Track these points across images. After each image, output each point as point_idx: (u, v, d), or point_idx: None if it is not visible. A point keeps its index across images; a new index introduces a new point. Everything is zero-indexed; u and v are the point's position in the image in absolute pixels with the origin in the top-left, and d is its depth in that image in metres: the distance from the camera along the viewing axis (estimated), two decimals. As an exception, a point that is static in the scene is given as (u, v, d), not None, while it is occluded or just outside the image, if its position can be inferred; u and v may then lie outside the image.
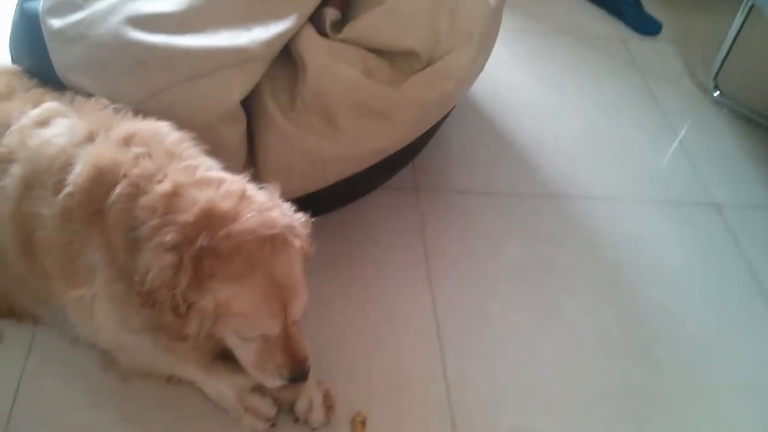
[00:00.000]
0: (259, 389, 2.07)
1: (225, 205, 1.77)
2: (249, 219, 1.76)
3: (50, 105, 2.09)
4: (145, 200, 1.78)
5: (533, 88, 3.60)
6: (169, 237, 1.71)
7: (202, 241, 1.70)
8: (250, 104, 2.31)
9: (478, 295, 2.54)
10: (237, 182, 1.87)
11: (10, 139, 2.01)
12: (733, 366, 2.47)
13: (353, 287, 2.49)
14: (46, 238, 1.91)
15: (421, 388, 2.24)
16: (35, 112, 2.07)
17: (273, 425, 2.06)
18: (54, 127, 2.00)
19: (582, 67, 3.81)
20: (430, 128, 2.73)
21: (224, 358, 2.08)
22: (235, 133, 2.24)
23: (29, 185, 1.92)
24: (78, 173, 1.86)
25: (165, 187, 1.79)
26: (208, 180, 1.85)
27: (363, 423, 2.11)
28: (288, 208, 1.91)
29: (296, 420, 2.09)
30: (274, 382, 1.92)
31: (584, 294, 2.62)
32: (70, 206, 1.85)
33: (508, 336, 2.43)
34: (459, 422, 2.16)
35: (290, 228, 1.84)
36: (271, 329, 1.81)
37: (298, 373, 1.91)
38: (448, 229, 2.76)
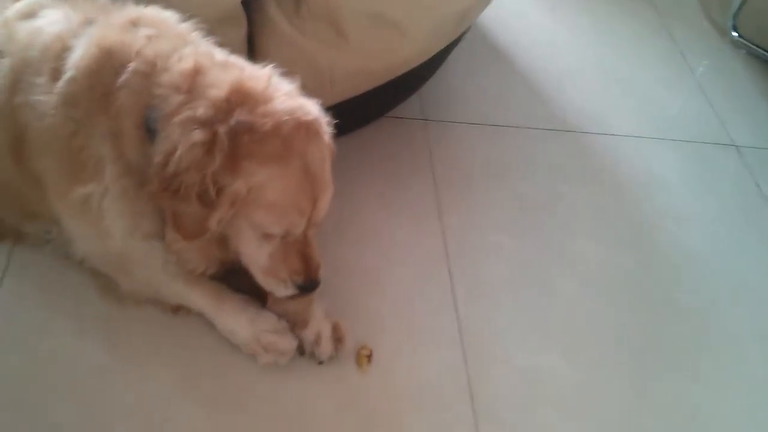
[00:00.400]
0: (274, 327, 1.90)
1: (256, 85, 1.63)
2: (284, 101, 1.63)
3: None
4: (166, 77, 1.61)
5: (545, 21, 3.42)
6: (201, 111, 1.55)
7: (239, 115, 1.55)
8: (251, 8, 2.09)
9: (488, 228, 2.39)
10: (262, 68, 1.71)
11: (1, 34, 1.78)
12: (753, 311, 2.36)
13: (358, 216, 2.32)
14: (43, 132, 1.70)
15: (431, 322, 2.10)
16: (18, 5, 1.84)
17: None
18: (43, 18, 1.78)
19: (598, 4, 3.62)
20: (441, 52, 2.53)
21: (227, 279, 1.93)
22: (234, 37, 2.02)
23: (19, 77, 1.71)
24: (80, 56, 1.66)
25: (187, 64, 1.63)
26: (231, 63, 1.70)
27: (369, 357, 1.96)
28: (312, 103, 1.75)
29: (302, 353, 1.92)
30: (284, 290, 1.77)
31: (599, 232, 2.48)
32: (73, 92, 1.65)
33: (520, 272, 2.29)
34: (471, 358, 2.02)
35: (321, 120, 1.71)
36: (296, 225, 1.67)
37: (310, 282, 1.76)
38: (457, 160, 2.61)
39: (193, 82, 1.60)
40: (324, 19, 2.10)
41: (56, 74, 1.67)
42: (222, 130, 1.54)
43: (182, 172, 1.55)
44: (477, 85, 2.91)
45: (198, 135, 1.53)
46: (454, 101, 2.83)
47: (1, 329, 1.86)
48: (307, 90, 2.11)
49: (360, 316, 2.04)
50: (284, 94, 1.66)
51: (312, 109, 1.70)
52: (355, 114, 2.49)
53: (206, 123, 1.55)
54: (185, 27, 1.77)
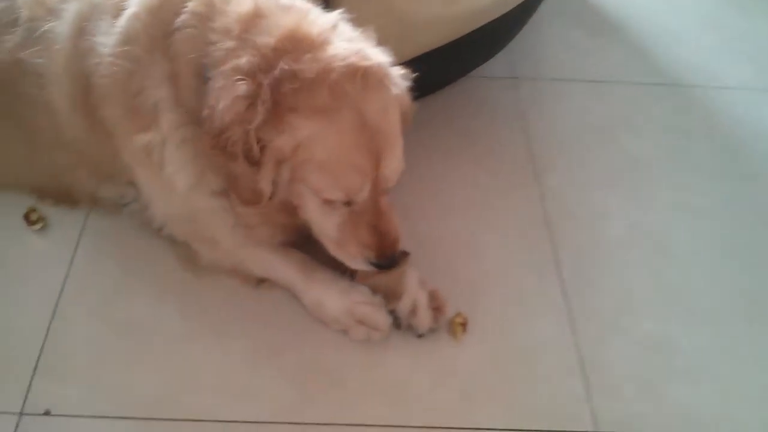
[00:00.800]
0: (368, 300, 1.73)
1: (313, 29, 1.47)
2: (340, 46, 1.46)
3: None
4: (221, 20, 1.49)
5: None
6: (245, 60, 1.41)
7: (284, 64, 1.39)
8: (325, -44, 1.95)
9: (592, 187, 2.16)
10: (330, 14, 1.55)
11: None
12: None
13: (448, 182, 2.14)
14: (105, 75, 1.60)
15: (532, 288, 1.89)
16: None
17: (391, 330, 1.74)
18: None
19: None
20: (528, 2, 2.33)
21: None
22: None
23: (86, 21, 1.64)
24: None
25: (246, 6, 1.49)
26: (297, 8, 1.54)
27: (464, 325, 1.77)
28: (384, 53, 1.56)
29: (398, 326, 1.75)
30: (359, 264, 1.60)
31: (712, 188, 2.20)
32: (133, 28, 1.56)
33: (630, 233, 2.04)
34: (579, 326, 1.81)
35: (386, 68, 1.51)
36: (357, 189, 1.48)
37: (386, 258, 1.57)
38: (552, 118, 2.39)
39: (247, 27, 1.46)
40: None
41: (118, 12, 1.58)
42: (266, 81, 1.39)
43: (227, 126, 1.41)
44: (569, 41, 2.68)
45: (241, 87, 1.40)
46: (545, 57, 2.61)
47: (76, 295, 1.79)
48: (385, 40, 1.97)
49: (453, 284, 1.86)
50: (343, 39, 1.49)
51: (373, 54, 1.50)
52: (440, 72, 2.32)
53: (251, 73, 1.40)
54: None
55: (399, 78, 1.56)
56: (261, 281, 1.81)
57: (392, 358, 1.71)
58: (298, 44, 1.42)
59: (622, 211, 2.09)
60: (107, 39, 1.58)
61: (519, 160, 2.21)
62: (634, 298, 1.88)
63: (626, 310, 1.85)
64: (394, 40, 1.94)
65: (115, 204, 1.92)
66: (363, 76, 1.42)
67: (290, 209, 1.63)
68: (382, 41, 1.92)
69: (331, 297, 1.73)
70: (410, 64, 2.08)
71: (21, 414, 1.57)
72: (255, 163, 1.44)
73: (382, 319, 1.71)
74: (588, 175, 2.18)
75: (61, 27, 1.67)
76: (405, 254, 1.71)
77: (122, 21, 1.57)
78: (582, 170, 2.20)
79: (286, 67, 1.39)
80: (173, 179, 1.64)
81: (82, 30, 1.63)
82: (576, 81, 2.50)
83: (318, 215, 1.57)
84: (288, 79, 1.39)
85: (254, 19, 1.47)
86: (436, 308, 1.75)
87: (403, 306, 1.73)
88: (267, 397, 1.63)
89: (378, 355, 1.71)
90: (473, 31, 2.14)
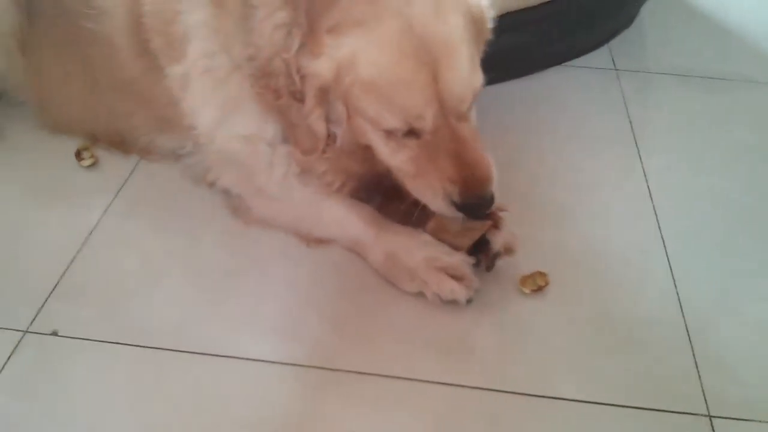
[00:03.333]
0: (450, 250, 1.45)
1: None
2: None
3: None
4: None
5: None
6: None
7: None
8: None
9: (701, 171, 1.86)
10: None
11: None
12: None
13: (550, 153, 1.90)
14: (148, 3, 1.50)
15: (637, 264, 1.58)
16: None
17: (470, 301, 1.42)
18: None
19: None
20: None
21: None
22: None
23: None
24: None
25: None
26: None
27: (542, 287, 1.47)
28: None
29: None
30: (442, 205, 1.33)
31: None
32: None
33: (738, 216, 1.72)
34: (687, 305, 1.48)
35: None
36: (416, 109, 1.24)
37: (474, 197, 1.30)
38: (658, 108, 2.14)
39: None
40: None
41: None
42: (302, 6, 1.24)
43: (270, 60, 1.27)
44: (675, 38, 2.44)
45: (278, 15, 1.26)
46: (649, 52, 2.38)
47: (112, 227, 1.64)
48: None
49: (540, 245, 1.59)
50: None
51: None
52: (541, 49, 2.16)
53: (288, 1, 1.26)
54: None
55: None
56: (320, 241, 1.58)
57: (455, 312, 1.42)
58: None
59: (730, 194, 1.77)
60: None
61: (623, 142, 1.95)
62: (743, 280, 1.55)
63: (736, 291, 1.52)
64: None
65: (171, 154, 1.78)
66: None
67: (362, 153, 1.43)
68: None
69: (407, 247, 1.45)
70: (513, 32, 1.96)
71: (26, 332, 1.39)
72: (301, 98, 1.28)
73: (469, 270, 1.41)
74: (698, 160, 1.89)
75: None
76: (497, 214, 1.45)
77: None
78: (691, 154, 1.91)
79: None
80: (194, 115, 1.50)
81: None
82: (685, 76, 2.24)
83: (387, 152, 1.34)
84: None
85: None
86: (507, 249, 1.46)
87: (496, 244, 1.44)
88: (303, 340, 1.39)
89: (438, 307, 1.43)
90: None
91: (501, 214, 1.45)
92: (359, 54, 1.23)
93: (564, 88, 2.16)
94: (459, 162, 1.29)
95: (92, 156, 1.80)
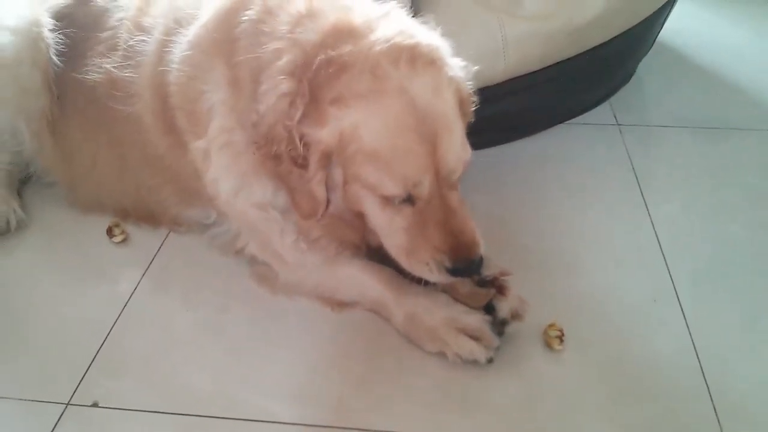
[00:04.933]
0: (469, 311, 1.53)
1: (358, 19, 1.39)
2: (385, 29, 1.36)
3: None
4: (272, 23, 1.44)
5: (728, 27, 3.00)
6: (285, 59, 1.35)
7: (321, 55, 1.32)
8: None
9: (708, 217, 1.92)
10: (385, 6, 1.47)
11: (159, 5, 1.79)
12: None
13: (554, 206, 1.98)
14: (173, 84, 1.60)
15: (647, 310, 1.64)
16: None
17: (491, 360, 1.47)
18: None
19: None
20: (629, 43, 2.25)
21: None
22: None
23: (168, 33, 1.65)
24: (215, 4, 1.57)
25: (297, 7, 1.44)
26: (351, 5, 1.46)
27: (560, 338, 1.52)
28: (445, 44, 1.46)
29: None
30: (434, 274, 1.40)
31: None
32: (199, 35, 1.56)
33: (751, 261, 1.77)
34: (702, 348, 1.52)
35: (437, 48, 1.39)
36: (415, 178, 1.32)
37: (462, 261, 1.37)
38: (662, 160, 2.21)
39: (295, 27, 1.40)
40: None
41: (192, 20, 1.60)
42: (305, 78, 1.32)
43: (272, 128, 1.35)
44: (673, 91, 2.54)
45: (282, 86, 1.34)
46: (649, 106, 2.47)
47: (145, 300, 1.72)
48: (478, 59, 1.93)
49: (553, 297, 1.66)
50: (388, 21, 1.39)
51: (419, 33, 1.40)
52: (544, 109, 2.26)
53: (291, 71, 1.34)
54: None
55: (456, 63, 1.45)
56: (343, 305, 1.64)
57: (476, 369, 1.47)
58: (339, 36, 1.35)
59: (744, 240, 1.83)
60: (178, 48, 1.59)
61: (629, 193, 2.02)
62: (757, 322, 1.60)
63: (750, 333, 1.57)
64: (488, 57, 1.94)
65: (198, 224, 1.87)
66: (409, 57, 1.32)
67: (355, 222, 1.51)
68: (473, 58, 1.90)
69: (427, 308, 1.52)
70: (517, 95, 2.06)
71: (68, 404, 1.45)
72: (302, 164, 1.35)
73: (488, 330, 1.48)
74: (704, 207, 1.96)
75: (149, 43, 1.71)
76: (500, 280, 1.53)
77: (192, 29, 1.59)
78: (697, 202, 1.98)
79: (323, 57, 1.32)
80: (215, 186, 1.58)
81: (164, 44, 1.65)
82: (685, 128, 2.32)
83: (381, 219, 1.42)
84: (325, 67, 1.31)
85: (304, 19, 1.41)
86: (515, 315, 1.52)
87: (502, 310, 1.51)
88: (329, 402, 1.43)
89: (460, 365, 1.48)
90: (575, 61, 2.07)
91: (506, 279, 1.53)
92: (363, 124, 1.31)
93: (568, 146, 2.24)
94: (448, 229, 1.37)
95: (123, 232, 1.89)
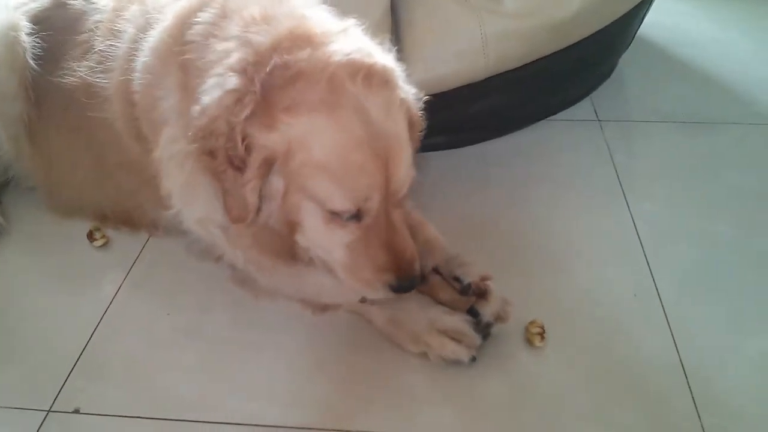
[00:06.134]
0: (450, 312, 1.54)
1: (316, 29, 1.37)
2: (342, 43, 1.35)
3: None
4: (225, 27, 1.41)
5: (707, 21, 3.03)
6: (236, 57, 1.33)
7: (276, 58, 1.29)
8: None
9: (691, 214, 1.93)
10: (343, 20, 1.46)
11: (132, 9, 1.77)
12: None
13: (536, 202, 1.99)
14: (136, 91, 1.57)
15: (628, 305, 1.65)
16: None
17: (474, 359, 1.48)
18: None
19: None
20: (608, 39, 2.26)
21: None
22: (375, 6, 1.88)
23: (136, 38, 1.62)
24: (174, 9, 1.55)
25: (252, 11, 1.41)
26: (309, 15, 1.44)
27: (541, 334, 1.53)
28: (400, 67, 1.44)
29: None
30: (376, 291, 1.41)
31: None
32: (158, 41, 1.53)
33: (732, 257, 1.79)
34: (683, 346, 1.53)
35: (392, 70, 1.38)
36: (365, 193, 1.31)
37: (406, 279, 1.38)
38: (643, 155, 2.23)
39: (246, 29, 1.37)
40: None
41: (154, 24, 1.57)
42: (257, 78, 1.28)
43: (211, 121, 1.30)
44: (654, 86, 2.56)
45: (230, 81, 1.30)
46: (629, 102, 2.49)
47: (126, 304, 1.71)
48: (459, 57, 1.94)
49: (534, 295, 1.67)
50: (346, 37, 1.38)
51: (377, 53, 1.39)
52: (525, 106, 2.27)
53: (241, 69, 1.31)
54: None
55: (408, 88, 1.44)
56: (325, 308, 1.64)
57: (460, 367, 1.48)
58: (296, 41, 1.33)
59: (721, 234, 1.85)
60: (141, 54, 1.56)
61: (610, 189, 2.04)
62: (737, 318, 1.62)
63: (730, 329, 1.59)
64: (460, 56, 1.94)
65: (176, 229, 1.85)
66: (366, 75, 1.31)
67: (283, 233, 1.46)
68: (447, 55, 1.90)
69: (407, 311, 1.53)
70: (497, 92, 2.07)
71: (49, 411, 1.44)
72: (240, 165, 1.30)
73: (469, 330, 1.49)
74: (685, 202, 1.97)
75: (120, 48, 1.67)
76: (481, 285, 1.54)
77: (153, 34, 1.56)
78: (677, 198, 1.99)
79: (279, 60, 1.29)
80: (169, 200, 1.55)
81: (132, 49, 1.61)
82: (666, 122, 2.34)
83: (323, 234, 1.39)
84: (279, 71, 1.28)
85: (258, 22, 1.39)
86: (498, 317, 1.53)
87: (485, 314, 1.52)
88: (316, 404, 1.44)
89: (446, 368, 1.49)
90: (555, 58, 2.07)
91: (488, 283, 1.53)
92: (315, 135, 1.28)
93: (549, 142, 2.25)
94: (392, 248, 1.37)
95: (104, 236, 1.88)
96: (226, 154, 1.31)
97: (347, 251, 1.39)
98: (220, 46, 1.38)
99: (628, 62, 2.61)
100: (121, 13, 1.73)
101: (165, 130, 1.49)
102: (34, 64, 1.84)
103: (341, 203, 1.31)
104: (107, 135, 1.74)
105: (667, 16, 2.97)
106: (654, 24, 2.73)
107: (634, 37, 2.53)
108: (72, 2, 1.88)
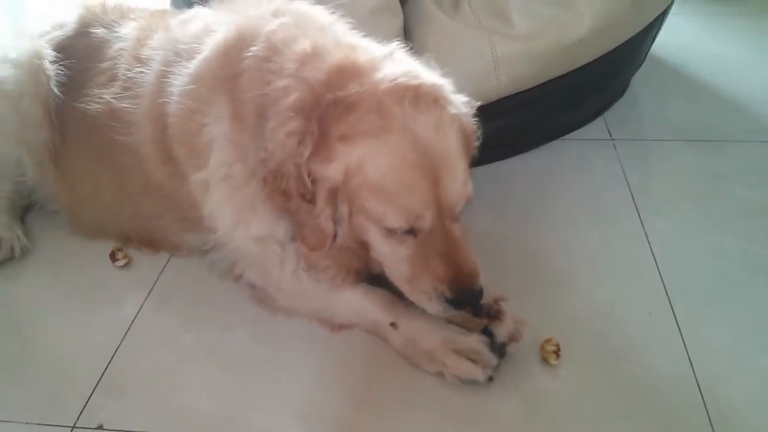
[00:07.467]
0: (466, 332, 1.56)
1: (363, 58, 1.45)
2: (389, 69, 1.42)
3: (197, 9, 1.90)
4: (278, 61, 1.49)
5: (716, 40, 3.05)
6: (294, 97, 1.41)
7: (329, 95, 1.38)
8: (407, 9, 2.03)
9: (704, 231, 1.94)
10: (386, 45, 1.54)
11: (157, 37, 1.84)
12: None
13: (549, 221, 2.01)
14: (173, 115, 1.63)
15: (642, 323, 1.66)
16: (181, 16, 1.90)
17: (491, 378, 1.50)
18: (200, 20, 1.79)
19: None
20: (619, 59, 2.29)
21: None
22: (390, 28, 1.94)
23: (167, 64, 1.70)
24: (215, 40, 1.62)
25: (303, 45, 1.50)
26: (355, 44, 1.54)
27: (556, 352, 1.54)
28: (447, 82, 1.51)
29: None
30: (435, 305, 1.44)
31: None
32: (201, 69, 1.60)
33: (745, 273, 1.80)
34: (698, 366, 1.54)
35: (440, 88, 1.45)
36: (418, 212, 1.37)
37: (463, 292, 1.41)
38: (656, 173, 2.25)
39: (302, 65, 1.46)
40: (486, 9, 1.98)
41: (193, 54, 1.64)
42: (314, 116, 1.38)
43: (281, 165, 1.40)
44: (667, 104, 2.58)
45: (291, 124, 1.39)
46: (642, 120, 2.51)
47: (148, 323, 1.75)
48: (471, 79, 1.97)
49: (550, 313, 1.68)
50: (392, 61, 1.45)
51: (425, 74, 1.46)
52: (538, 126, 2.29)
53: (300, 109, 1.39)
54: (330, 17, 1.65)
55: (458, 100, 1.49)
56: (342, 327, 1.68)
57: (476, 386, 1.49)
58: (345, 74, 1.41)
59: (735, 250, 1.86)
60: (179, 80, 1.63)
61: (624, 208, 2.05)
62: (751, 333, 1.62)
63: (744, 344, 1.60)
64: (480, 78, 1.98)
65: (197, 250, 1.90)
66: (413, 96, 1.38)
67: (359, 251, 1.55)
68: (460, 77, 1.93)
69: (424, 331, 1.55)
70: (511, 113, 2.10)
71: (73, 427, 1.48)
72: (310, 199, 1.41)
73: (485, 350, 1.50)
74: (699, 220, 1.98)
75: (148, 74, 1.75)
76: (495, 306, 1.56)
77: (194, 63, 1.62)
78: (692, 215, 2.00)
79: (331, 96, 1.38)
80: (213, 218, 1.63)
81: (163, 75, 1.68)
82: (679, 141, 2.35)
83: (384, 249, 1.46)
84: (332, 107, 1.37)
85: (310, 57, 1.47)
86: (512, 338, 1.55)
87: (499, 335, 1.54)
88: (332, 420, 1.46)
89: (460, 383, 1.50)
90: (566, 78, 2.10)
91: (502, 304, 1.56)
92: (368, 160, 1.36)
93: (563, 161, 2.28)
94: (449, 260, 1.41)
95: (126, 256, 1.92)
96: (298, 192, 1.41)
97: (407, 264, 1.45)
98: (279, 83, 1.46)
99: (640, 81, 2.64)
100: (146, 42, 1.79)
101: (215, 154, 1.58)
102: (58, 92, 1.92)
103: (394, 221, 1.39)
104: (131, 159, 1.80)
105: (679, 35, 2.99)
106: (666, 43, 2.75)
107: (646, 57, 2.55)
108: (95, 30, 1.96)
